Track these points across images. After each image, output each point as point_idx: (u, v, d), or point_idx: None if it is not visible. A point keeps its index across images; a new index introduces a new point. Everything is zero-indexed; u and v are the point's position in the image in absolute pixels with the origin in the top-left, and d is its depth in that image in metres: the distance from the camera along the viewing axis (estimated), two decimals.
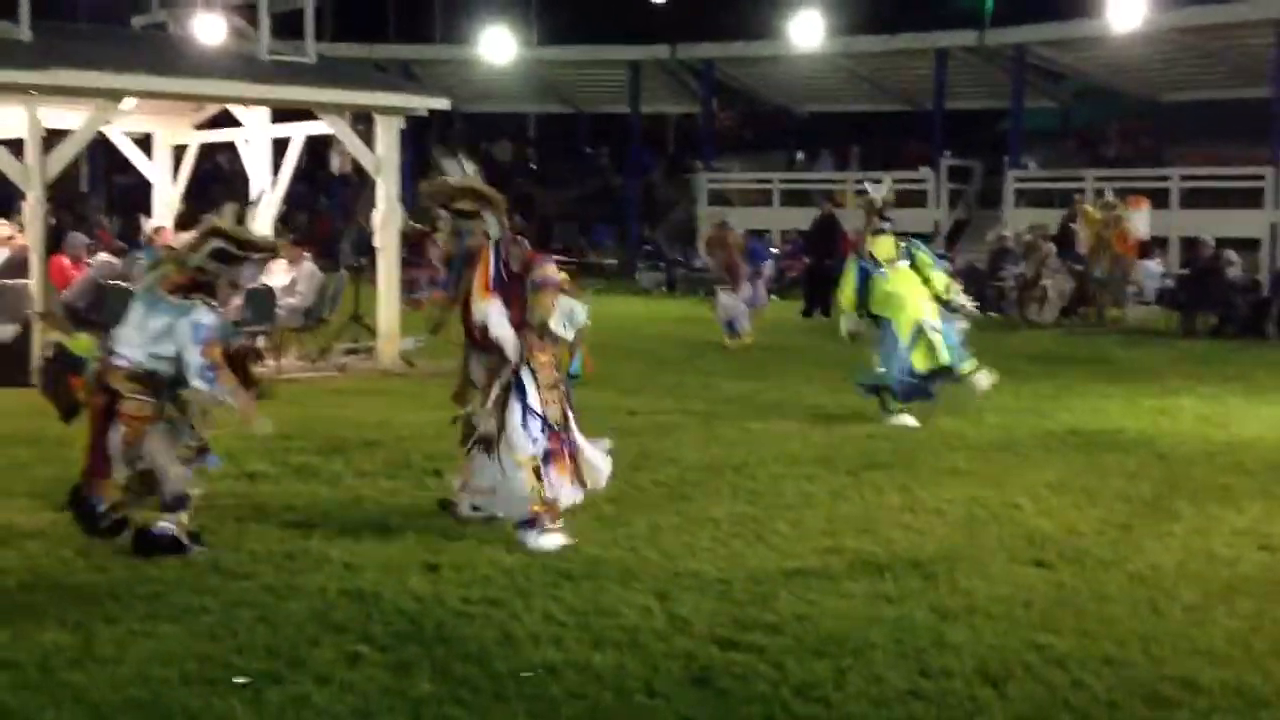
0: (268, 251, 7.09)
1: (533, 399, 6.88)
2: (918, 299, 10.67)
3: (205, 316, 6.36)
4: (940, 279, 10.85)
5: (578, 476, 7.09)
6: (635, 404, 11.38)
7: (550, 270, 7.03)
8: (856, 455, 9.28)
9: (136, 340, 6.39)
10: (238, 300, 6.80)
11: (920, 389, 10.69)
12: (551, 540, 6.70)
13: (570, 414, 7.11)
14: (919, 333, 10.54)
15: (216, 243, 6.45)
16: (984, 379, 10.70)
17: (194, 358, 6.29)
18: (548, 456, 6.91)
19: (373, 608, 5.66)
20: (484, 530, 6.95)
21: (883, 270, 10.75)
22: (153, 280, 6.59)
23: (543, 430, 6.90)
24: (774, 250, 17.90)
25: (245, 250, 6.58)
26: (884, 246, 10.83)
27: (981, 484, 8.37)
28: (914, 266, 10.76)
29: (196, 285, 6.48)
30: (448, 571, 6.23)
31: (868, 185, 11.54)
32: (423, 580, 6.10)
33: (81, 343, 6.78)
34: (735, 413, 11.14)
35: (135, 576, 6.10)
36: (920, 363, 10.55)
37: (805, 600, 5.90)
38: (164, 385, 6.40)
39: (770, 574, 6.32)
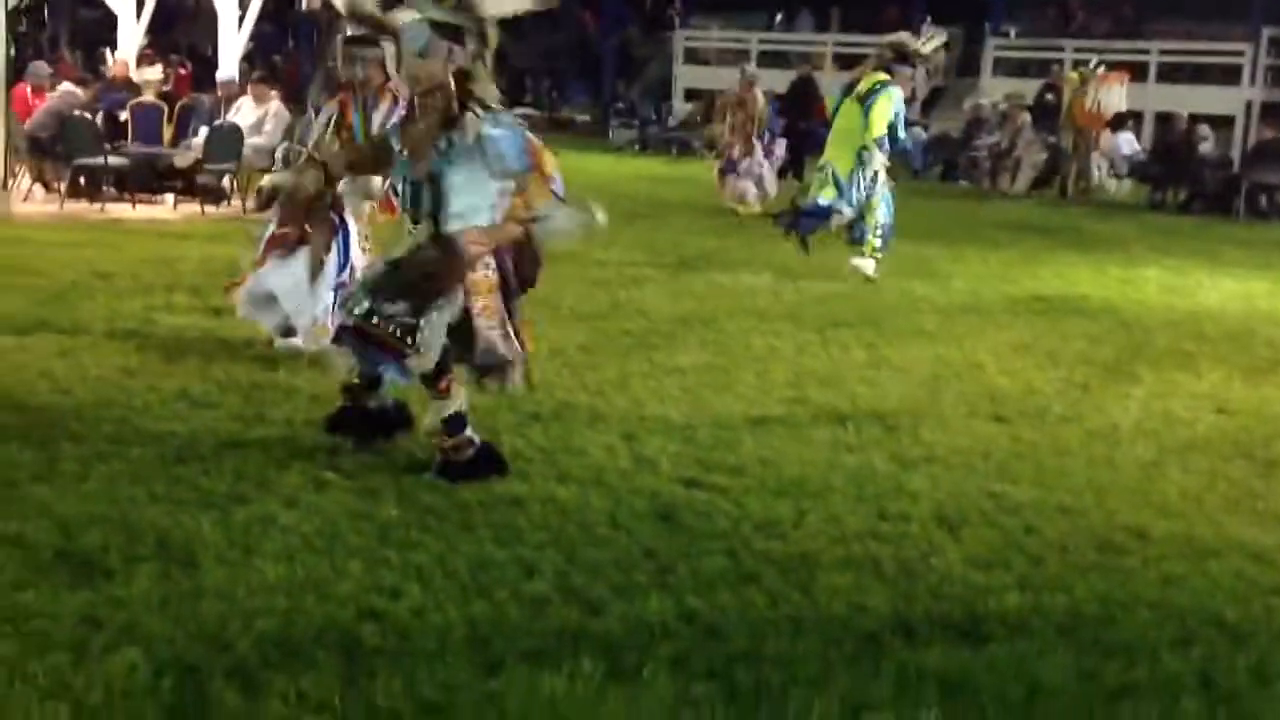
0: None
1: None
2: (840, 141, 10.64)
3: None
4: (877, 125, 10.43)
5: None
6: (605, 256, 11.34)
7: None
8: (824, 313, 9.32)
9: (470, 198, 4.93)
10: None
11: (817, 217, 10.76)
12: None
13: None
14: (820, 169, 10.72)
15: None
16: (867, 265, 10.61)
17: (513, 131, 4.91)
18: None
19: (339, 438, 5.67)
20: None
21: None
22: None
23: None
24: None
25: None
26: (867, 80, 10.69)
27: (946, 344, 8.45)
28: (870, 107, 10.51)
29: None
30: (416, 408, 6.21)
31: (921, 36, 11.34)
32: None
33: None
34: (705, 268, 11.13)
35: (100, 400, 6.11)
36: (824, 195, 10.63)
37: (768, 446, 5.97)
38: None
39: (735, 421, 6.39)
